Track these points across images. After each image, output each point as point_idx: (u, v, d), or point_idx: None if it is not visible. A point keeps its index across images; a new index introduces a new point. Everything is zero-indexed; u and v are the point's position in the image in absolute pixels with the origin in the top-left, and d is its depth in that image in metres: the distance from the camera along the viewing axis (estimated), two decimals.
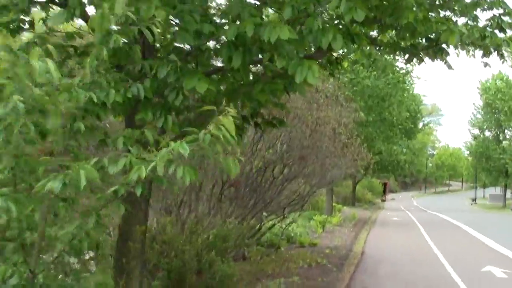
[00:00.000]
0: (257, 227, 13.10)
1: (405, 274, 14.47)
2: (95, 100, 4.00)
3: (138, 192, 3.71)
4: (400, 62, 32.98)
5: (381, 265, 15.98)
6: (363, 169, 16.93)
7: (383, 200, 73.48)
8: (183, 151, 3.53)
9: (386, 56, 32.24)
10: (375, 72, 30.59)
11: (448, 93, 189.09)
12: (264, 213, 12.13)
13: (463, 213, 47.94)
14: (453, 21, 7.45)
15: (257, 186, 12.78)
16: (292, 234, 19.55)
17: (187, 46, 5.89)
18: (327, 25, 5.28)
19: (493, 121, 65.30)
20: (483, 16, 8.82)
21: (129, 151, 3.91)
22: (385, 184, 76.44)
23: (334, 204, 38.45)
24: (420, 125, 57.84)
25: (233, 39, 4.98)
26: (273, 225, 14.40)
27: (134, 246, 7.46)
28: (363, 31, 8.15)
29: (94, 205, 3.90)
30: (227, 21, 5.60)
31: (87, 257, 4.85)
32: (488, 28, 8.65)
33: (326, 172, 14.18)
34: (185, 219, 12.25)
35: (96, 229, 4.05)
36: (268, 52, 5.32)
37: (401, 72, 32.50)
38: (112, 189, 3.73)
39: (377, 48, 11.31)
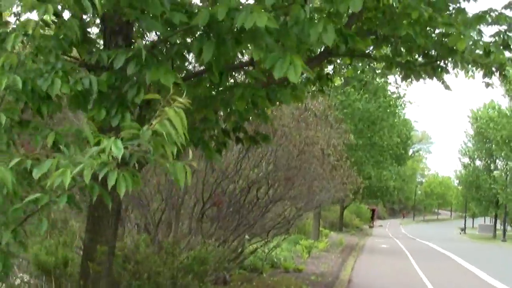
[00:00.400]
0: (239, 250, 12.33)
1: None
2: (20, 86, 3.26)
3: (61, 203, 2.96)
4: (392, 86, 32.63)
5: None
6: (352, 194, 16.21)
7: (371, 227, 72.73)
8: (116, 151, 2.81)
9: (378, 79, 31.92)
10: (366, 95, 30.07)
11: (438, 121, 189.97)
12: (247, 236, 11.39)
13: (453, 243, 47.22)
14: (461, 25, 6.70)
15: (240, 207, 12.05)
16: (276, 259, 18.82)
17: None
18: (316, 15, 4.55)
19: (484, 151, 64.86)
20: (487, 32, 8.21)
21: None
22: (373, 210, 75.75)
23: (321, 228, 37.69)
24: (410, 151, 57.31)
25: (205, 27, 4.26)
26: (256, 248, 13.65)
27: (98, 267, 6.73)
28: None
29: (13, 217, 3.13)
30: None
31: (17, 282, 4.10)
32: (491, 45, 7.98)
33: (314, 195, 13.48)
34: (162, 238, 11.51)
35: (14, 247, 3.28)
36: (244, 43, 4.59)
37: (393, 96, 32.04)
38: (30, 197, 2.97)
39: (370, 64, 10.71)
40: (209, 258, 9.46)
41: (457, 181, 77.30)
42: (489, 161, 65.43)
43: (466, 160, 69.04)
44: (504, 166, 61.03)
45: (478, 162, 67.68)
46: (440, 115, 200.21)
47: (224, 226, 12.07)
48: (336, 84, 26.64)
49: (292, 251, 23.50)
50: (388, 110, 31.06)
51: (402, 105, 32.33)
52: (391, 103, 31.93)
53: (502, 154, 50.16)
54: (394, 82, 31.70)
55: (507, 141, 46.62)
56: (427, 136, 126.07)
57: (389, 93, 32.40)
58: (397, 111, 32.62)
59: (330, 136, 13.44)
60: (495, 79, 9.12)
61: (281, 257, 19.55)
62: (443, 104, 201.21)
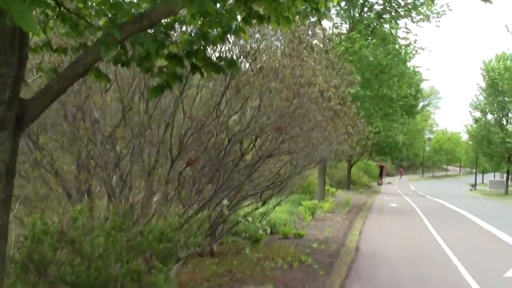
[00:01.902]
0: (220, 218, 9.97)
1: (411, 281, 11.42)
2: None
3: None
4: (401, 31, 29.88)
5: (379, 266, 12.92)
6: (359, 147, 13.80)
7: (380, 184, 71.02)
8: None
9: (386, 26, 29.13)
10: (374, 41, 27.44)
11: (446, 76, 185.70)
12: (225, 201, 9.07)
13: (465, 200, 45.00)
14: None
15: (219, 165, 9.65)
16: (274, 224, 16.58)
17: None
18: None
19: (496, 104, 62.25)
20: None
21: None
22: (381, 167, 73.90)
23: (327, 187, 35.44)
24: (420, 105, 54.69)
25: None
26: (247, 213, 11.34)
27: None
28: None
29: None
30: None
31: None
32: None
33: (313, 148, 11.08)
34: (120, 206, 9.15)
35: None
36: None
37: (402, 43, 29.41)
38: None
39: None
40: (168, 232, 7.08)
41: (467, 136, 74.69)
42: (501, 115, 62.88)
43: (477, 114, 66.54)
44: None
45: (489, 116, 65.17)
46: (448, 70, 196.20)
47: (201, 190, 9.70)
48: (339, 30, 23.84)
49: (294, 213, 21.24)
50: (397, 58, 28.45)
51: (414, 51, 29.59)
52: (401, 49, 29.27)
53: None
54: (404, 27, 29.11)
55: None
56: (435, 91, 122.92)
57: (398, 39, 29.81)
58: (408, 58, 29.90)
59: (331, 76, 10.98)
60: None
61: (280, 221, 17.30)
62: (451, 59, 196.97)
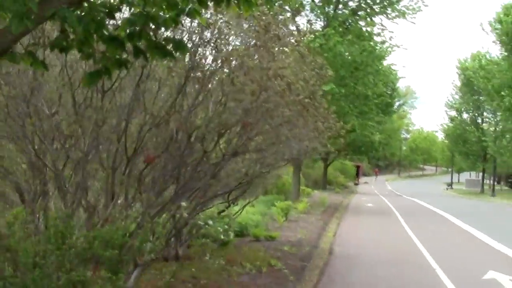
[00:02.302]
0: (181, 219, 9.22)
1: (387, 283, 10.81)
2: None
3: None
4: (377, 28, 29.34)
5: (354, 269, 12.27)
6: (332, 145, 13.11)
7: (356, 184, 70.89)
8: None
9: (361, 23, 28.57)
10: (349, 37, 26.84)
11: (422, 76, 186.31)
12: (183, 203, 8.36)
13: (441, 199, 44.80)
14: None
15: (179, 164, 8.92)
16: (244, 225, 15.89)
17: None
18: None
19: (471, 103, 62.27)
20: None
21: None
22: (358, 167, 73.74)
23: (303, 187, 34.83)
24: (396, 104, 54.41)
25: None
26: (207, 216, 10.62)
27: None
28: None
29: None
30: None
31: None
32: None
33: (281, 146, 10.40)
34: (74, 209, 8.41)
35: None
36: None
37: (378, 40, 28.87)
38: None
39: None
40: (116, 238, 6.35)
41: (443, 135, 74.85)
42: (476, 114, 62.94)
43: (453, 113, 66.57)
44: (493, 118, 58.47)
45: (465, 115, 65.24)
46: (424, 69, 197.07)
47: (161, 191, 8.97)
48: (313, 27, 23.15)
49: (266, 214, 20.57)
50: (373, 55, 27.92)
51: (389, 49, 29.07)
52: (376, 46, 28.74)
53: (493, 104, 47.09)
54: (380, 24, 28.55)
55: (499, 90, 43.62)
56: (411, 90, 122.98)
57: (374, 36, 29.27)
58: (383, 55, 29.39)
59: (301, 69, 10.31)
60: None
61: (251, 222, 16.60)
62: (426, 58, 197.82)
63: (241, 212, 13.87)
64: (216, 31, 8.43)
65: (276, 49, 9.83)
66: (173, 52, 4.89)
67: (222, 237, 9.71)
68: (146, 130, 8.53)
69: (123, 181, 8.69)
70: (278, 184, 30.60)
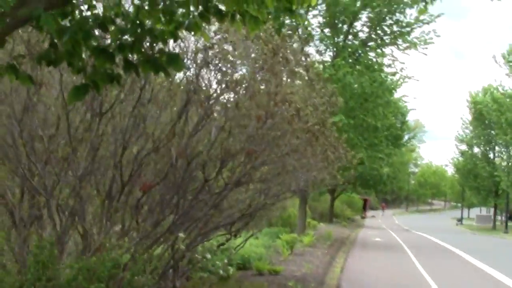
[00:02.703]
0: (177, 252, 8.62)
1: None
2: None
3: None
4: (387, 59, 28.89)
5: None
6: (341, 176, 12.50)
7: (363, 217, 69.94)
8: None
9: (371, 54, 28.15)
10: (359, 67, 26.37)
11: (431, 110, 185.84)
12: (181, 234, 7.77)
13: (452, 235, 43.80)
14: None
15: (179, 192, 8.37)
16: (247, 257, 15.24)
17: None
18: None
19: (482, 137, 61.47)
20: None
21: None
22: (365, 200, 72.84)
23: (309, 220, 34.10)
24: (405, 137, 53.76)
25: None
26: (205, 249, 10.02)
27: None
28: None
29: None
30: None
31: None
32: None
33: (288, 176, 9.83)
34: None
35: None
36: None
37: (388, 71, 28.40)
38: None
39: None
40: (101, 270, 5.77)
41: (453, 170, 73.76)
42: (487, 148, 62.07)
43: (464, 147, 65.70)
44: (505, 152, 57.56)
45: (476, 150, 64.37)
46: (433, 104, 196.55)
47: (158, 221, 8.41)
48: (322, 57, 22.70)
49: (271, 247, 19.90)
50: (383, 86, 27.43)
51: (401, 80, 28.57)
52: (387, 78, 28.25)
53: (506, 138, 46.24)
54: (390, 55, 28.09)
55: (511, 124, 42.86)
56: (420, 124, 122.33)
57: (384, 67, 28.81)
58: (394, 87, 28.87)
59: (310, 95, 9.78)
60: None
61: (254, 255, 15.94)
62: (435, 92, 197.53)
63: (243, 245, 13.25)
64: (219, 51, 7.93)
65: (284, 73, 9.33)
66: (166, 67, 4.39)
67: (221, 272, 9.07)
68: (143, 156, 8.01)
69: (118, 208, 8.14)
70: (284, 216, 29.91)
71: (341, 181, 13.91)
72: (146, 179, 8.21)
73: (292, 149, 9.31)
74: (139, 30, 4.40)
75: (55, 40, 4.32)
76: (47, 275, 5.51)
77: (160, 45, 4.52)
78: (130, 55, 4.46)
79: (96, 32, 4.50)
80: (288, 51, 9.02)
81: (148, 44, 4.52)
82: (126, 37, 4.41)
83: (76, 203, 7.92)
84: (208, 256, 8.18)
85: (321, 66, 26.77)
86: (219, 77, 8.35)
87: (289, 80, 9.46)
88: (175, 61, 4.38)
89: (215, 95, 8.18)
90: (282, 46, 8.79)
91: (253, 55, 8.64)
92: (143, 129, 8.22)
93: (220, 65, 7.95)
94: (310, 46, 27.73)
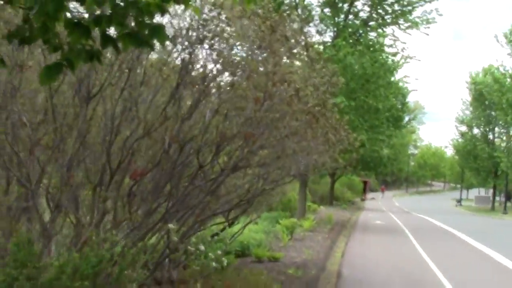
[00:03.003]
0: (172, 243, 8.15)
1: None
2: None
3: None
4: (389, 39, 28.28)
5: None
6: (343, 160, 12.01)
7: (363, 200, 69.74)
8: None
9: (372, 34, 27.54)
10: (360, 48, 25.77)
11: (431, 91, 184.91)
12: (171, 225, 7.30)
13: (452, 216, 43.51)
14: None
15: (170, 179, 7.89)
16: (246, 244, 14.83)
17: None
18: None
19: (482, 118, 61.01)
20: None
21: None
22: (365, 183, 72.56)
23: (309, 203, 33.70)
24: (406, 119, 53.26)
25: None
26: (198, 239, 9.54)
27: None
28: None
29: None
30: None
31: None
32: None
33: (287, 160, 9.35)
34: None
35: None
36: None
37: (390, 51, 27.75)
38: None
39: None
40: (84, 267, 5.31)
41: (453, 151, 73.39)
42: (487, 129, 61.64)
43: (463, 128, 65.30)
44: (505, 133, 57.22)
45: (476, 131, 63.98)
46: (433, 85, 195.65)
47: (150, 210, 7.94)
48: (322, 37, 22.08)
49: (271, 232, 19.48)
50: (385, 67, 26.85)
51: (402, 60, 27.91)
52: (388, 58, 27.64)
53: (507, 119, 45.68)
54: (391, 35, 27.45)
55: None
56: (420, 106, 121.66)
57: (385, 47, 28.18)
58: (395, 67, 28.25)
59: (310, 75, 9.28)
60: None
61: (254, 241, 15.52)
62: (435, 73, 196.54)
63: (241, 232, 12.80)
64: (214, 27, 7.40)
65: (283, 52, 8.81)
66: (149, 40, 3.91)
67: (214, 264, 8.62)
68: (133, 141, 7.52)
69: (107, 198, 7.67)
70: (284, 200, 29.47)
71: (343, 165, 13.41)
72: (137, 166, 7.73)
73: (292, 131, 8.82)
74: (120, 2, 3.91)
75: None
76: (25, 274, 5.04)
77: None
78: (108, 29, 3.98)
79: (71, 4, 4.01)
80: (287, 29, 8.49)
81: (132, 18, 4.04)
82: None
83: (64, 193, 7.44)
84: (202, 248, 7.72)
85: (321, 46, 26.19)
86: (214, 56, 7.84)
87: (288, 60, 8.95)
88: (158, 32, 3.89)
89: (210, 75, 7.66)
90: (281, 23, 8.27)
91: (250, 32, 8.11)
92: (135, 113, 7.72)
93: (214, 43, 7.43)
94: (310, 26, 27.15)
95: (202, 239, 8.34)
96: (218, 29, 7.43)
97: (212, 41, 7.36)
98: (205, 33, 7.31)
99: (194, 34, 7.38)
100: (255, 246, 15.14)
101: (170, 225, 7.10)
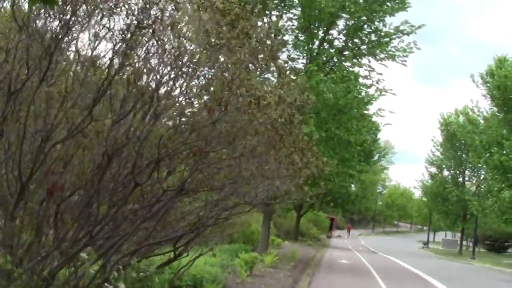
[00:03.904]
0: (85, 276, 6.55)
1: None
2: None
3: None
4: (364, 69, 27.06)
5: None
6: (309, 188, 10.50)
7: (329, 237, 68.32)
8: None
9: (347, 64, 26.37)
10: (333, 76, 24.49)
11: (400, 131, 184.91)
12: (84, 254, 5.76)
13: (419, 259, 42.15)
14: None
15: (97, 197, 6.35)
16: (200, 278, 13.25)
17: None
18: None
19: (452, 160, 60.20)
20: None
21: None
22: (332, 219, 71.25)
23: (273, 237, 32.11)
24: (376, 156, 52.16)
25: None
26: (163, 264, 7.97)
27: None
28: None
29: None
30: None
31: None
32: None
33: (243, 185, 7.86)
34: None
35: None
36: None
37: (364, 83, 26.54)
38: None
39: None
40: None
41: (421, 192, 72.42)
42: (458, 172, 60.82)
43: (433, 169, 64.33)
44: (475, 176, 56.53)
45: (446, 173, 63.10)
46: (401, 125, 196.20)
47: (63, 233, 6.37)
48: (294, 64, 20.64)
49: (228, 266, 17.88)
50: (358, 98, 25.58)
51: (378, 92, 26.56)
52: (362, 90, 26.37)
53: (480, 161, 44.77)
54: (367, 65, 26.27)
55: (487, 146, 41.38)
56: (390, 145, 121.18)
57: (360, 78, 26.96)
58: (370, 99, 26.91)
59: (275, 86, 7.85)
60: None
61: (208, 276, 13.92)
62: (406, 115, 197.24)
63: (190, 266, 11.22)
64: (159, 12, 5.94)
65: (243, 53, 7.36)
66: None
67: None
68: (50, 146, 5.99)
69: (15, 216, 6.10)
70: (246, 232, 27.89)
71: (308, 196, 11.85)
72: (54, 178, 6.18)
73: (250, 150, 7.36)
74: None
75: None
76: None
77: None
78: None
79: None
80: (250, 26, 7.07)
81: None
82: None
83: None
84: (121, 285, 6.14)
85: (291, 75, 24.82)
86: (159, 50, 6.38)
87: (252, 66, 7.53)
88: None
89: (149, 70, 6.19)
90: (243, 16, 6.86)
91: (207, 26, 6.68)
92: (57, 111, 6.21)
93: (157, 30, 5.96)
94: (283, 52, 25.84)
95: (137, 270, 6.73)
96: (163, 13, 5.97)
97: (156, 28, 5.88)
98: (143, 17, 5.82)
99: (133, 18, 5.90)
100: (209, 281, 13.57)
101: (83, 255, 5.54)
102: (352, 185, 41.73)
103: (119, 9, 5.93)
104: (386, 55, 26.05)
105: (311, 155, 9.11)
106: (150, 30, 5.83)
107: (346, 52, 26.76)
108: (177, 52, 6.15)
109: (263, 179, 7.82)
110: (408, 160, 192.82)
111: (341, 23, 26.90)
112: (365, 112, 27.57)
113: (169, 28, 6.03)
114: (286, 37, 25.98)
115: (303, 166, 8.54)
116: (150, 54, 6.22)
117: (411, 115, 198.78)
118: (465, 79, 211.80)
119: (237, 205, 8.83)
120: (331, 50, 26.87)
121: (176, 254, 9.88)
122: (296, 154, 8.00)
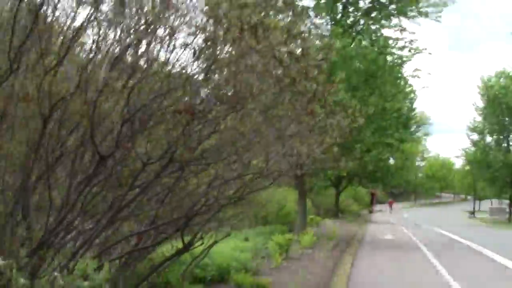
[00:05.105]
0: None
1: None
2: None
3: None
4: (394, 31, 24.96)
5: None
6: (339, 153, 8.68)
7: (371, 212, 66.50)
8: None
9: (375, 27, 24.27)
10: (360, 37, 22.47)
11: (436, 102, 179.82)
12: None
13: (468, 229, 39.90)
14: None
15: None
16: (226, 267, 11.75)
17: None
18: None
19: (495, 125, 57.48)
20: None
21: None
22: (372, 194, 69.26)
23: (312, 216, 30.32)
24: (413, 127, 49.71)
25: None
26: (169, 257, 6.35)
27: None
28: None
29: None
30: None
31: None
32: None
33: (255, 153, 6.11)
34: None
35: None
36: None
37: (396, 42, 24.39)
38: None
39: None
40: None
41: (464, 161, 69.75)
42: (501, 137, 58.06)
43: (475, 136, 61.56)
44: None
45: (488, 139, 60.34)
46: (437, 96, 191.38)
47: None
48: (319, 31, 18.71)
49: (261, 250, 16.28)
50: (392, 59, 23.55)
51: (411, 51, 24.38)
52: (394, 53, 24.26)
53: None
54: (398, 25, 24.12)
55: None
56: (426, 117, 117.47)
57: (391, 41, 24.85)
58: (404, 60, 24.76)
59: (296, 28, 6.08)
60: None
61: (236, 263, 12.37)
62: (440, 85, 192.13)
63: (205, 255, 9.59)
64: None
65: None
66: None
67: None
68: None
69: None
70: (280, 213, 26.17)
71: (344, 171, 9.95)
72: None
73: (264, 104, 5.61)
74: None
75: None
76: None
77: None
78: None
79: None
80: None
81: None
82: None
83: None
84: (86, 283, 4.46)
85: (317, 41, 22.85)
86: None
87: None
88: None
89: None
90: None
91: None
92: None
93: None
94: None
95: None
96: None
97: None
98: None
99: None
100: (238, 270, 12.05)
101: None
102: (391, 158, 39.55)
103: None
104: (418, 11, 23.93)
105: (349, 111, 7.17)
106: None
107: (374, 14, 24.62)
108: None
109: (274, 140, 6.05)
110: (444, 131, 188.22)
111: None
112: (399, 75, 25.47)
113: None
114: (306, 2, 23.94)
115: (330, 127, 6.64)
116: None
117: (445, 84, 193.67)
118: (498, 41, 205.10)
119: (243, 177, 7.02)
120: (357, 13, 24.78)
121: (187, 244, 8.24)
122: (316, 102, 6.16)
